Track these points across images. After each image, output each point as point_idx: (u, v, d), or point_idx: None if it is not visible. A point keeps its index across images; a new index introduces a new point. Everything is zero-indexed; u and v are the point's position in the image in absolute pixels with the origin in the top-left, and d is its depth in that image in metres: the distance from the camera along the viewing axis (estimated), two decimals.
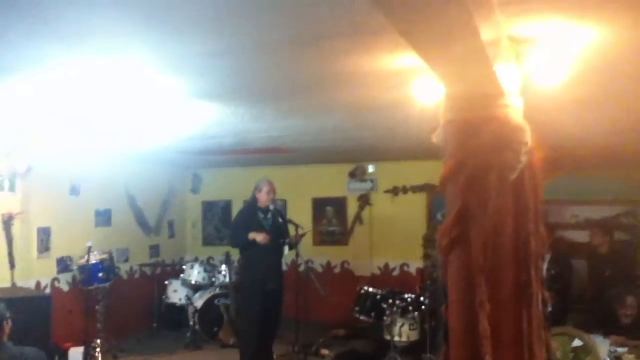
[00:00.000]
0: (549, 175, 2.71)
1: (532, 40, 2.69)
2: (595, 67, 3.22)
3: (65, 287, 6.89)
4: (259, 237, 5.90)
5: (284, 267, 6.54)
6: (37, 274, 6.47)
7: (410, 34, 1.94)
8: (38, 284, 6.47)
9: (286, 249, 6.20)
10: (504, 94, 2.49)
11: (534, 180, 2.54)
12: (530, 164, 2.52)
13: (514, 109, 2.54)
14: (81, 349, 6.00)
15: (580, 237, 7.58)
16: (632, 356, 4.69)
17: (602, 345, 4.66)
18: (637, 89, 3.85)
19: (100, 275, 6.61)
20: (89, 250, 6.40)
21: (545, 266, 2.92)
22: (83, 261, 6.54)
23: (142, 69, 3.36)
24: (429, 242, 7.78)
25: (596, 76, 3.44)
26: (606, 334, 5.09)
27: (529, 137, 2.48)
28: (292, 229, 6.30)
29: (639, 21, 2.55)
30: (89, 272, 6.49)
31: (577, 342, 4.37)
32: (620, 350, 4.76)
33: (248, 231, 6.00)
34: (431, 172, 7.83)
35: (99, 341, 6.59)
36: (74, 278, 6.97)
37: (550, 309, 2.79)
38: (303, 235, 6.40)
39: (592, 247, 6.67)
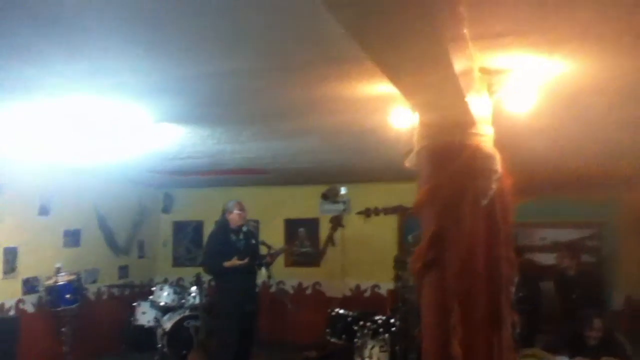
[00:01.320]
0: (518, 200, 2.80)
1: (503, 72, 2.81)
2: (561, 97, 3.36)
3: (30, 309, 6.71)
4: (236, 263, 5.89)
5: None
6: (1, 295, 6.31)
7: (385, 64, 2.01)
8: (1, 306, 6.30)
9: (263, 270, 6.19)
10: (475, 122, 2.58)
11: (504, 205, 2.62)
12: (500, 190, 2.61)
13: (485, 137, 2.63)
14: None
15: (548, 259, 7.73)
16: None
17: None
18: (598, 119, 4.03)
19: (68, 296, 6.47)
20: (57, 271, 6.28)
21: (513, 289, 2.99)
22: (50, 282, 6.41)
23: (116, 92, 3.36)
24: (400, 263, 7.79)
25: (562, 106, 3.59)
26: (572, 356, 5.20)
27: (499, 165, 2.57)
28: (263, 250, 6.29)
29: (601, 56, 2.69)
30: (56, 294, 6.36)
31: None
32: None
33: (221, 254, 5.98)
34: (403, 194, 7.92)
35: None
36: (39, 299, 6.80)
37: (518, 331, 2.86)
38: (280, 253, 6.40)
39: (560, 269, 6.81)
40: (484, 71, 2.71)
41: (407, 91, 2.38)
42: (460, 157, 2.51)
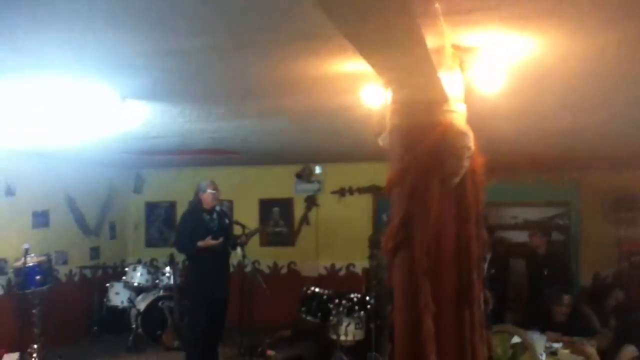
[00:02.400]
0: (490, 178, 2.80)
1: (474, 49, 2.79)
2: (530, 78, 3.38)
3: None
4: (210, 243, 5.83)
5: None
6: None
7: (355, 37, 1.96)
8: None
9: (239, 249, 6.16)
10: (447, 100, 2.56)
11: (475, 184, 2.62)
12: (472, 168, 2.60)
13: (458, 115, 2.62)
14: (16, 355, 5.76)
15: (519, 237, 7.87)
16: (566, 351, 4.90)
17: (539, 342, 4.85)
18: (564, 101, 4.07)
19: (37, 278, 6.36)
20: (26, 253, 6.15)
21: (485, 267, 3.01)
22: (19, 264, 6.28)
23: (82, 68, 3.26)
24: (374, 242, 7.85)
25: (530, 86, 3.61)
26: (542, 331, 5.31)
27: (471, 142, 2.56)
28: (237, 230, 6.25)
29: (572, 35, 2.69)
30: (25, 275, 6.24)
31: (515, 339, 4.54)
32: (555, 345, 4.97)
33: (194, 234, 5.91)
34: (377, 174, 7.93)
35: (35, 346, 6.35)
36: (8, 281, 6.68)
37: (490, 308, 2.89)
38: (254, 233, 6.37)
39: (531, 247, 6.92)
40: (456, 48, 2.68)
41: (379, 68, 2.34)
42: (432, 134, 2.50)
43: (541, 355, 4.70)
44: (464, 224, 2.54)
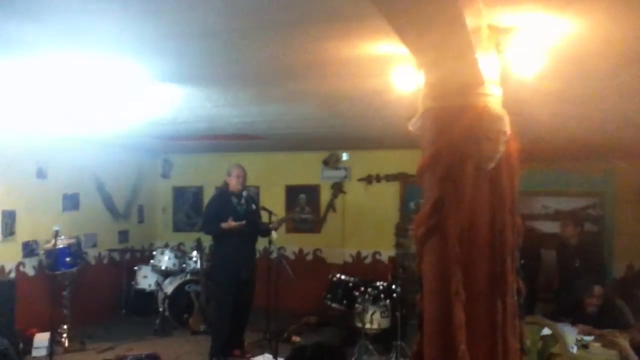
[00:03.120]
0: (523, 165, 2.71)
1: (512, 30, 2.68)
2: (570, 60, 3.24)
3: (30, 272, 6.73)
4: (232, 224, 5.84)
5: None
6: (0, 257, 6.30)
7: (392, 16, 1.90)
8: (2, 268, 6.30)
9: (274, 233, 6.19)
10: (483, 82, 2.48)
11: (510, 170, 2.54)
12: (507, 153, 2.52)
13: (493, 98, 2.53)
14: (47, 335, 5.87)
15: (550, 227, 7.71)
16: (598, 344, 4.78)
17: (570, 334, 4.75)
18: (604, 84, 3.91)
19: (67, 260, 6.47)
20: (56, 234, 6.24)
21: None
22: (49, 245, 6.39)
23: (112, 50, 3.25)
24: (401, 230, 7.80)
25: (570, 70, 3.47)
26: (573, 323, 5.19)
27: (507, 126, 2.47)
28: (264, 216, 6.25)
29: (615, 17, 2.57)
30: (55, 257, 6.34)
31: (545, 331, 4.45)
32: (586, 338, 4.85)
33: (221, 216, 5.94)
34: (405, 161, 7.87)
35: (65, 327, 6.47)
36: (40, 262, 6.80)
37: (522, 299, 2.81)
38: (285, 220, 6.39)
39: (563, 237, 6.77)
40: (493, 29, 2.58)
41: (415, 48, 2.26)
42: (466, 118, 2.42)
43: (572, 347, 4.60)
44: (499, 211, 2.47)
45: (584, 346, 4.75)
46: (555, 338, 4.41)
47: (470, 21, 2.32)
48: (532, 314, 5.54)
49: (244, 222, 5.90)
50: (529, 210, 7.89)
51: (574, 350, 4.62)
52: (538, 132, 5.39)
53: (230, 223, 5.86)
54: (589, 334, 4.96)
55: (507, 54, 2.72)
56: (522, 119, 3.52)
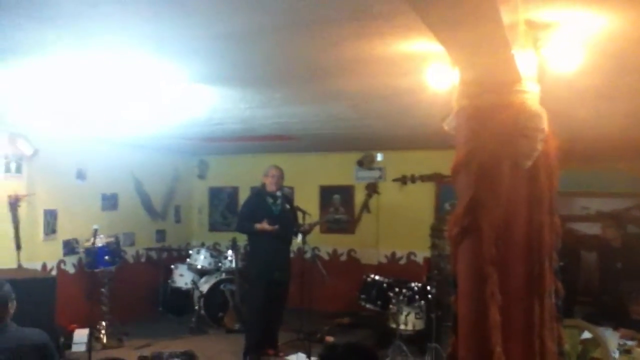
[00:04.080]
0: (562, 165, 2.64)
1: (550, 26, 2.62)
2: (611, 56, 3.14)
3: (70, 269, 6.90)
4: (266, 227, 5.90)
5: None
6: (43, 255, 6.48)
7: (426, 13, 1.87)
8: (44, 266, 6.48)
9: (299, 236, 6.20)
10: (520, 79, 2.42)
11: (549, 168, 2.48)
12: (545, 151, 2.46)
13: (530, 95, 2.47)
14: (86, 331, 6.00)
15: (590, 229, 7.50)
16: None
17: (611, 338, 4.61)
18: None
19: (106, 258, 6.62)
20: (95, 233, 6.39)
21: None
22: (89, 244, 6.54)
23: (148, 53, 3.30)
24: (436, 231, 7.69)
25: (612, 65, 3.36)
26: (615, 327, 5.04)
27: (545, 124, 2.41)
28: (298, 217, 6.27)
29: None
30: (94, 255, 6.49)
31: (585, 335, 4.32)
32: (629, 343, 4.71)
33: (256, 216, 6.01)
34: (440, 162, 7.78)
35: (103, 323, 6.62)
36: (79, 260, 6.97)
37: (560, 301, 2.74)
38: (317, 223, 6.40)
39: (604, 239, 6.59)
40: (530, 25, 2.53)
41: (450, 45, 2.23)
42: (503, 116, 2.37)
43: (614, 352, 4.46)
44: (536, 210, 2.41)
45: (626, 351, 4.61)
46: (596, 342, 4.27)
47: (506, 17, 2.27)
48: (572, 317, 5.39)
49: (277, 226, 5.94)
50: (568, 212, 7.70)
51: (616, 355, 4.47)
52: (577, 130, 5.26)
53: (265, 225, 5.91)
54: (632, 339, 4.81)
55: (545, 50, 2.66)
56: (560, 116, 3.43)
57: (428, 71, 3.18)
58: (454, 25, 1.94)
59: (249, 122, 5.89)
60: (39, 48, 3.18)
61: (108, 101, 4.76)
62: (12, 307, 3.44)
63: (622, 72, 3.55)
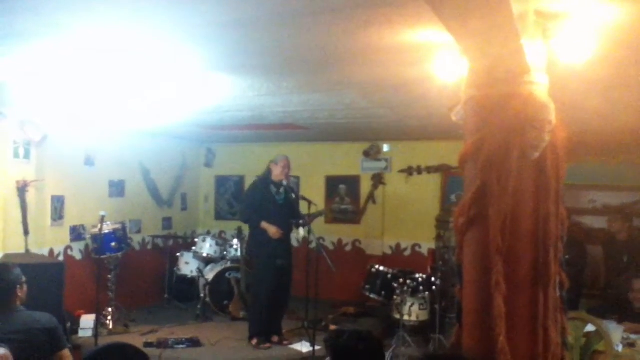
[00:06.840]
0: (570, 158, 2.64)
1: (559, 16, 2.60)
2: (622, 46, 3.12)
3: (77, 255, 6.95)
4: (272, 230, 5.97)
5: (295, 244, 6.55)
6: (50, 241, 6.53)
7: (436, 2, 1.87)
8: (51, 251, 6.53)
9: (301, 230, 6.23)
10: (529, 70, 2.42)
11: (556, 160, 2.47)
12: (553, 143, 2.46)
13: (539, 86, 2.47)
14: (93, 317, 6.06)
15: (597, 222, 7.48)
16: None
17: (616, 332, 4.60)
18: None
19: (113, 244, 6.66)
20: (102, 220, 6.43)
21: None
22: (96, 230, 6.58)
23: (157, 40, 3.31)
24: (441, 223, 7.70)
25: (623, 56, 3.34)
26: (620, 321, 5.04)
27: (553, 115, 2.41)
28: (303, 205, 6.29)
29: None
30: (101, 241, 6.53)
31: (589, 327, 4.32)
32: (633, 336, 4.71)
33: (260, 206, 6.03)
34: (447, 153, 7.77)
35: (110, 309, 6.67)
36: (86, 247, 7.02)
37: (565, 293, 2.75)
38: (318, 215, 6.41)
39: (610, 233, 6.57)
40: (540, 15, 2.51)
41: (459, 35, 2.22)
42: (511, 106, 2.36)
43: (617, 345, 4.46)
44: (543, 201, 2.41)
45: (630, 344, 4.61)
46: (599, 335, 4.27)
47: (516, 7, 2.26)
48: (577, 310, 5.40)
49: (282, 233, 6.02)
50: (575, 205, 7.67)
51: (620, 348, 4.48)
52: (586, 123, 5.23)
53: (271, 228, 5.98)
54: (636, 332, 4.81)
55: (555, 41, 2.64)
56: (571, 107, 3.42)
57: (437, 61, 3.18)
58: (464, 14, 1.93)
59: (258, 110, 5.89)
60: (51, 33, 3.19)
61: (119, 89, 4.77)
62: (22, 291, 3.49)
63: (633, 62, 3.52)
